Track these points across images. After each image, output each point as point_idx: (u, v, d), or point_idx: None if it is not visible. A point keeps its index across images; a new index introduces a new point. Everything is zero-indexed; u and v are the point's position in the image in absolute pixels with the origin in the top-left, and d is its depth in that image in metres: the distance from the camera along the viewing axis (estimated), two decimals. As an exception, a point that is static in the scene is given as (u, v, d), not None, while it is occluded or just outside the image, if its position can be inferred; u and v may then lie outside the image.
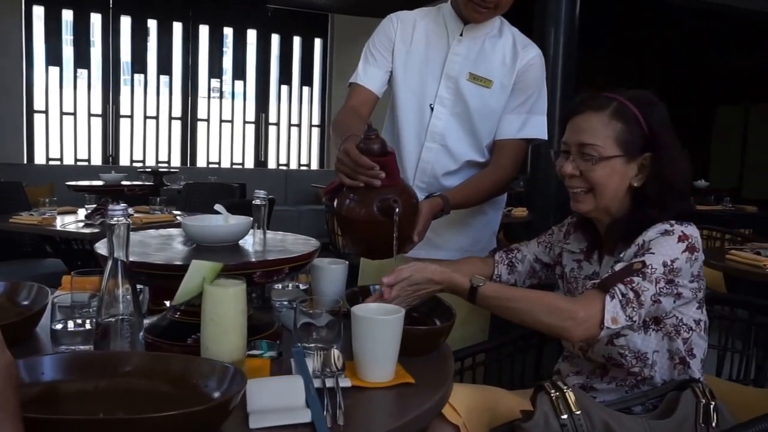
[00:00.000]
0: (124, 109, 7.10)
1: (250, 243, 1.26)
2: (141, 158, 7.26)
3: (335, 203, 1.29)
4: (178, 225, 2.38)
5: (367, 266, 1.80)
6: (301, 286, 1.47)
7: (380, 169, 1.21)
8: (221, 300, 0.94)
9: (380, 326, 1.00)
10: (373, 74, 1.62)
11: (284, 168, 8.02)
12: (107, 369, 0.83)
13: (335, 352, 1.01)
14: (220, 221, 1.24)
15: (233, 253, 1.16)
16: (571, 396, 1.12)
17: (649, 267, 1.13)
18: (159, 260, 1.05)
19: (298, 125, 8.09)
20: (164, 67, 7.18)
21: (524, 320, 1.14)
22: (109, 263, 0.91)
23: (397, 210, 1.19)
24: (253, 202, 1.34)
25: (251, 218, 1.25)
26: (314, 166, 8.26)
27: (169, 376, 0.83)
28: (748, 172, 9.37)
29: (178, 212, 3.52)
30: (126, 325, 0.91)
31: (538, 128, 1.62)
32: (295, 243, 1.28)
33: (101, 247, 1.09)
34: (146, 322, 1.15)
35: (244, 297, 0.97)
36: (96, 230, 2.79)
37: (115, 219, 0.91)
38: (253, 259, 1.10)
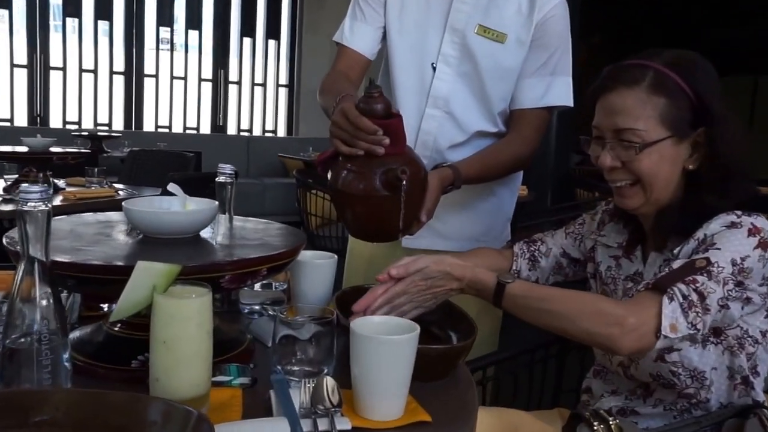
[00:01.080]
0: (55, 60, 6.91)
1: (214, 235, 1.20)
2: (76, 119, 7.12)
3: (329, 175, 1.26)
4: (120, 203, 2.27)
5: (355, 259, 1.77)
6: (278, 286, 1.42)
7: (384, 134, 1.19)
8: (178, 316, 0.85)
9: (389, 348, 0.92)
10: (363, 32, 1.61)
11: (246, 134, 7.98)
12: (14, 415, 0.71)
13: (328, 382, 0.93)
14: (176, 205, 1.16)
15: (193, 248, 1.09)
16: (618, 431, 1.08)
17: (715, 265, 1.09)
18: (93, 259, 0.95)
19: (263, 85, 8.01)
20: (103, 11, 7.00)
21: (559, 326, 1.11)
22: (22, 263, 0.81)
23: (404, 183, 1.18)
24: (217, 179, 1.27)
25: (215, 202, 1.17)
26: (281, 132, 8.22)
27: (105, 425, 0.71)
28: (758, 147, 9.47)
29: (121, 186, 3.45)
30: (45, 349, 0.80)
31: (563, 93, 1.60)
32: (273, 233, 1.23)
33: (13, 241, 0.99)
34: (75, 334, 1.08)
35: (210, 311, 0.88)
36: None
37: (29, 204, 0.76)
38: (221, 258, 1.02)
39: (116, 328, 1.06)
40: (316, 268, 1.31)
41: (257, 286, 1.38)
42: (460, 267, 1.18)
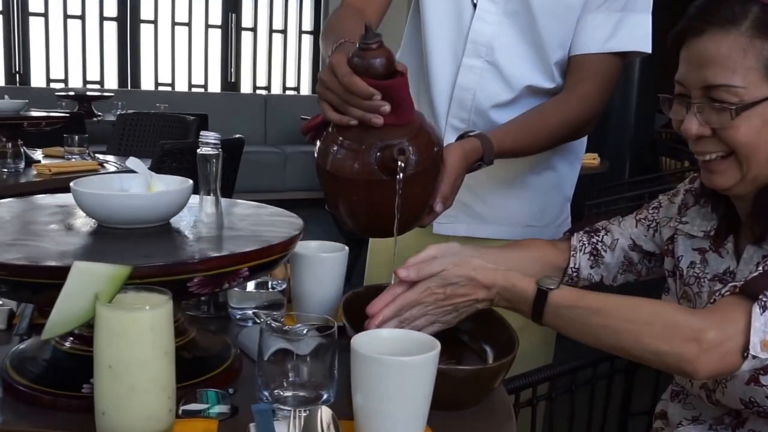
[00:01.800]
0: (35, 4, 7.01)
1: (190, 223, 1.17)
2: (61, 77, 7.25)
3: (316, 149, 1.24)
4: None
5: (378, 249, 1.74)
6: (275, 285, 1.39)
7: (383, 98, 1.14)
8: (127, 333, 0.81)
9: (400, 372, 0.88)
10: None
11: (263, 93, 8.04)
12: None
13: (324, 413, 0.89)
14: (136, 186, 1.14)
15: (158, 242, 1.06)
16: None
17: None
18: (19, 258, 0.91)
19: (283, 32, 8.05)
20: (91, -55, 7.11)
21: (618, 344, 1.08)
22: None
23: (400, 164, 1.14)
24: (199, 151, 1.24)
25: (189, 181, 1.15)
26: (304, 90, 8.28)
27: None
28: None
29: (109, 157, 3.46)
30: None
31: (637, 35, 1.53)
32: (265, 220, 1.21)
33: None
34: (17, 350, 1.08)
35: (169, 325, 0.84)
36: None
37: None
38: (188, 255, 0.98)
39: (66, 344, 1.03)
40: (320, 264, 1.28)
41: (251, 286, 1.35)
42: (488, 271, 1.14)
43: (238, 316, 1.32)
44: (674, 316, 1.06)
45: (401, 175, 1.15)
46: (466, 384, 1.03)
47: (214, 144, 1.23)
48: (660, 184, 4.49)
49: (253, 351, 1.15)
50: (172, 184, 1.13)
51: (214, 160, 1.23)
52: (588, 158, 4.42)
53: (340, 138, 1.20)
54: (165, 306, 0.83)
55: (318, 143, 1.23)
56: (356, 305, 1.16)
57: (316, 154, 1.23)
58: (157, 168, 2.75)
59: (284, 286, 1.36)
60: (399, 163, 1.14)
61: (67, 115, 3.62)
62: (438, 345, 0.92)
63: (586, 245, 1.45)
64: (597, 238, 1.45)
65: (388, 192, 1.16)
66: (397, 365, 0.87)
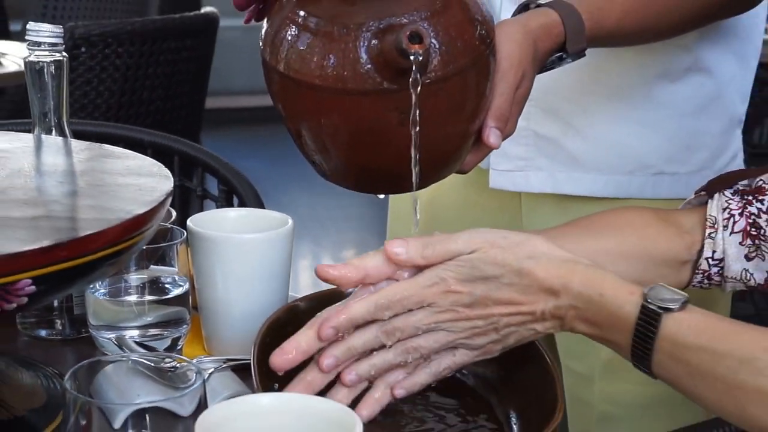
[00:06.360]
0: None
1: None
2: None
3: (262, 37, 0.88)
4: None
5: (401, 201, 1.29)
6: (169, 287, 0.98)
7: None
8: None
9: None
10: None
11: None
12: None
13: None
14: None
15: None
16: None
17: None
18: None
19: None
20: None
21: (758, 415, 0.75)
22: None
23: (417, 60, 0.77)
24: (26, 57, 0.96)
25: None
26: None
27: None
28: None
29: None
30: None
31: None
32: (116, 183, 0.90)
33: None
34: None
35: None
36: None
37: None
38: None
39: None
40: (239, 251, 0.89)
41: (124, 287, 0.96)
42: (558, 265, 0.77)
43: (102, 339, 0.93)
44: None
45: (420, 80, 0.78)
46: None
47: (52, 44, 0.92)
48: None
49: (109, 404, 0.76)
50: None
51: (53, 71, 0.92)
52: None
53: (303, 13, 0.83)
54: None
55: (264, 24, 0.88)
56: (291, 324, 0.80)
57: (260, 44, 0.87)
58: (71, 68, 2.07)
59: (185, 288, 0.95)
60: (413, 58, 0.77)
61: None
62: (358, 429, 0.56)
63: (738, 218, 0.97)
64: (760, 204, 0.96)
65: (395, 113, 0.81)
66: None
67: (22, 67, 2.77)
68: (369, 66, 0.81)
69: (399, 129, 0.81)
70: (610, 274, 0.78)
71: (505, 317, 0.78)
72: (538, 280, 0.77)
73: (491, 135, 0.88)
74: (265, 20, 0.89)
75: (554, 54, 0.95)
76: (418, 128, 0.80)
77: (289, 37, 0.85)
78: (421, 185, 0.84)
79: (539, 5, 0.96)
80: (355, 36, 0.82)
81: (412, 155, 0.81)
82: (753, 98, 1.26)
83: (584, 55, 0.96)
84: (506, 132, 0.90)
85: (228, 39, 3.51)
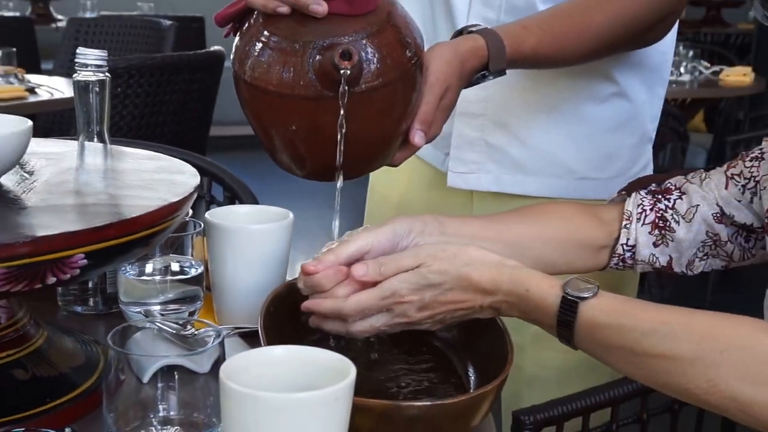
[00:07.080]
0: None
1: (35, 182, 0.93)
2: None
3: (233, 49, 0.98)
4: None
5: (377, 201, 1.44)
6: (187, 270, 1.08)
7: None
8: None
9: (290, 416, 0.63)
10: None
11: None
12: None
13: None
14: None
15: None
16: None
17: None
18: None
19: None
20: None
21: (682, 386, 0.81)
22: None
23: (344, 73, 0.89)
24: (75, 77, 1.01)
25: (28, 121, 0.91)
26: None
27: None
28: None
29: (54, 80, 2.99)
30: None
31: None
32: (152, 178, 0.98)
33: None
34: None
35: None
36: None
37: None
38: None
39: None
40: (248, 239, 1.01)
41: (149, 269, 1.07)
42: (489, 268, 0.87)
43: (130, 313, 1.03)
44: (761, 340, 0.80)
45: (346, 89, 0.89)
46: (429, 424, 0.80)
47: (97, 66, 0.99)
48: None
49: (138, 366, 0.88)
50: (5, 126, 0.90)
51: (97, 89, 1.00)
52: (736, 74, 3.52)
53: (266, 32, 0.94)
54: None
55: (237, 42, 0.98)
56: (288, 301, 0.92)
57: (231, 56, 0.98)
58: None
59: (200, 271, 1.06)
60: (342, 71, 0.89)
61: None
62: (351, 371, 0.65)
63: (648, 212, 1.08)
64: (666, 202, 1.08)
65: (333, 116, 0.92)
66: (286, 404, 0.62)
67: (53, 96, 2.89)
68: (313, 76, 0.91)
69: (336, 129, 0.93)
70: (533, 272, 0.88)
71: (449, 313, 0.89)
72: (474, 282, 0.87)
73: (416, 136, 0.99)
74: (237, 37, 1.00)
75: (479, 72, 1.06)
76: (344, 129, 0.91)
77: (254, 51, 0.96)
78: (355, 175, 0.97)
79: (471, 32, 1.07)
80: (304, 51, 0.92)
81: (338, 152, 0.93)
82: (659, 127, 1.38)
83: (504, 73, 1.07)
84: (430, 134, 1.01)
85: (230, 77, 3.73)
